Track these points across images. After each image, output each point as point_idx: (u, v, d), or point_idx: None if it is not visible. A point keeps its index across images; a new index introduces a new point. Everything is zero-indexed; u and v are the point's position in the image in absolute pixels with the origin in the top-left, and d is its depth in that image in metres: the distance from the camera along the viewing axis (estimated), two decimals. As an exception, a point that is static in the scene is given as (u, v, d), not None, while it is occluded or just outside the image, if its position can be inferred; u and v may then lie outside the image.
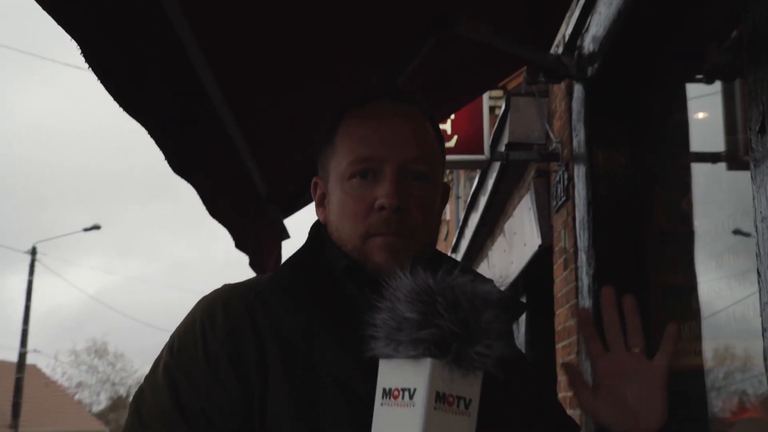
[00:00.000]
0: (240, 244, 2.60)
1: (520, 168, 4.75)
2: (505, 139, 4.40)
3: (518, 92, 4.46)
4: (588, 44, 3.50)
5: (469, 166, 5.12)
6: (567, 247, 3.79)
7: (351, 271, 1.19)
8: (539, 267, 4.58)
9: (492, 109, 5.35)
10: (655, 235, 3.38)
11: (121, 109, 1.46)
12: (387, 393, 0.98)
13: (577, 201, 3.61)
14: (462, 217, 7.58)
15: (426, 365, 0.94)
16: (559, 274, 3.97)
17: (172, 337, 1.19)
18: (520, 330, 5.54)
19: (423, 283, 0.99)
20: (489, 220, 6.09)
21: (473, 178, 6.65)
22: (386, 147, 1.19)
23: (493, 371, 0.97)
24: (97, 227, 25.03)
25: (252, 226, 2.63)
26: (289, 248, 3.12)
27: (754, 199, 1.77)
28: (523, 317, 5.42)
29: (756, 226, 1.76)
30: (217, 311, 1.16)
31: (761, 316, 1.73)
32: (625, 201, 3.43)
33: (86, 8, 1.26)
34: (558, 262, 4.01)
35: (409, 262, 1.07)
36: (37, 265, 24.99)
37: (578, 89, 3.66)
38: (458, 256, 8.61)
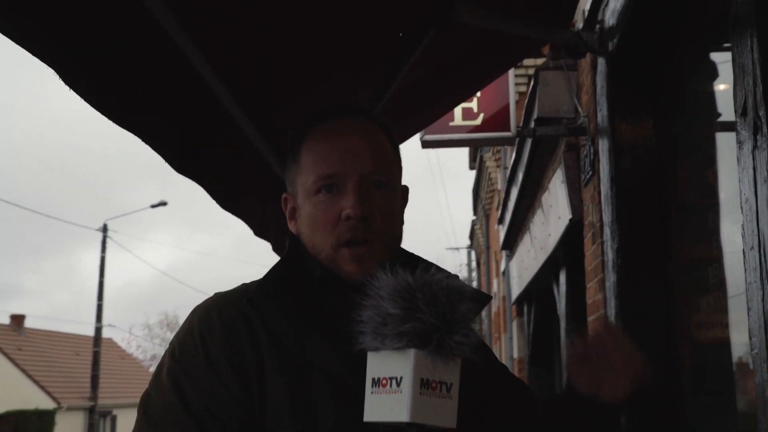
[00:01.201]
0: (260, 232, 2.67)
1: (553, 142, 4.74)
2: (535, 114, 4.40)
3: (547, 66, 4.44)
4: (608, 18, 3.47)
5: (495, 143, 5.13)
6: (594, 221, 3.80)
7: (325, 279, 1.31)
8: (574, 240, 4.59)
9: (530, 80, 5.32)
10: (679, 208, 3.36)
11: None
12: (376, 382, 1.08)
13: (601, 175, 3.61)
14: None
15: (410, 355, 1.05)
16: (589, 248, 3.98)
17: (173, 344, 1.28)
18: (561, 303, 5.55)
19: (403, 281, 1.11)
20: (528, 193, 6.08)
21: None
22: (346, 162, 1.30)
23: (470, 357, 1.10)
24: (163, 203, 25.65)
25: (272, 213, 2.70)
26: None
27: (739, 181, 1.78)
28: (563, 290, 5.43)
29: (741, 207, 1.77)
30: (213, 318, 1.26)
31: (746, 295, 1.75)
32: (649, 174, 3.42)
33: (55, 35, 1.35)
34: (587, 236, 4.02)
35: (376, 268, 1.20)
36: (109, 242, 25.93)
37: (601, 63, 3.64)
38: (503, 228, 8.61)
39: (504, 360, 11.59)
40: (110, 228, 26.70)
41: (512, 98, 4.12)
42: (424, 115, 3.24)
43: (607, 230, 3.52)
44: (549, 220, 5.24)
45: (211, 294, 1.35)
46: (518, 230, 7.45)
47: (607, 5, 3.45)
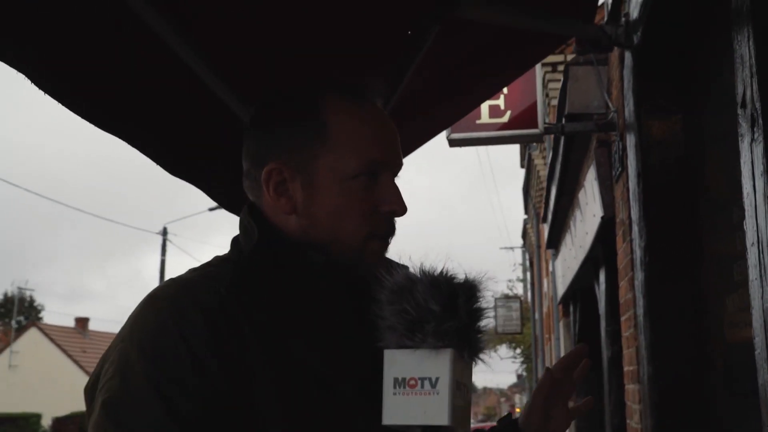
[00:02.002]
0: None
1: (586, 138, 4.66)
2: (565, 111, 4.33)
3: (577, 62, 4.37)
4: (633, 10, 3.39)
5: (523, 140, 5.06)
6: (624, 219, 3.72)
7: (328, 267, 1.19)
8: (609, 238, 4.51)
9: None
10: (708, 203, 3.27)
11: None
12: (401, 382, 1.00)
13: (629, 171, 3.53)
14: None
15: (447, 355, 0.99)
16: (620, 246, 3.90)
17: (140, 344, 1.08)
18: (601, 303, 5.45)
19: (443, 277, 1.04)
20: (566, 190, 5.99)
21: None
22: (392, 152, 1.25)
23: (483, 359, 1.07)
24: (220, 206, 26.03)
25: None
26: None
27: (741, 176, 1.72)
28: (603, 289, 5.33)
29: (743, 202, 1.72)
30: (189, 311, 1.09)
31: (749, 293, 1.69)
32: (677, 170, 3.33)
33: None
34: (619, 234, 3.94)
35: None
36: (169, 245, 26.49)
37: (627, 57, 3.56)
38: (547, 227, 8.50)
39: (551, 362, 11.43)
40: (171, 231, 27.29)
41: (540, 95, 4.07)
42: (443, 114, 3.21)
43: (635, 227, 3.44)
44: (585, 217, 5.15)
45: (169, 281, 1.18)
46: (560, 229, 7.35)
47: (630, -3, 3.38)
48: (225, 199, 2.42)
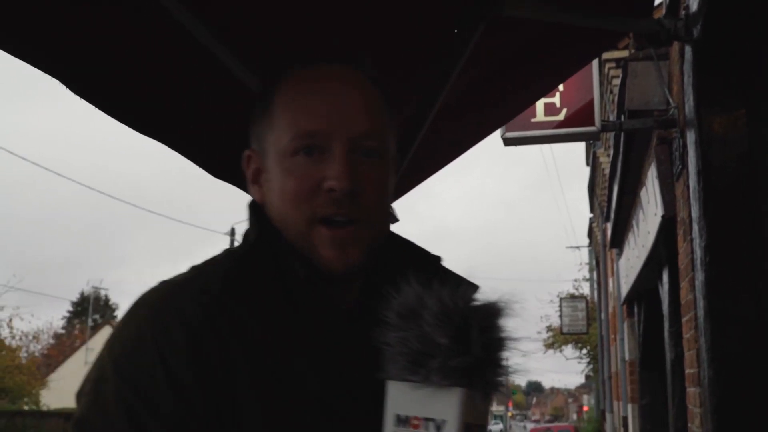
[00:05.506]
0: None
1: (647, 135, 4.55)
2: (625, 107, 4.24)
3: (636, 57, 4.27)
4: (692, 2, 3.30)
5: (580, 138, 4.96)
6: (684, 218, 3.62)
7: (312, 278, 1.05)
8: (671, 238, 4.40)
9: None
10: (772, 202, 3.16)
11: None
12: (403, 420, 0.89)
13: (689, 169, 3.44)
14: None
15: (456, 395, 0.88)
16: (681, 246, 3.80)
17: (115, 356, 0.99)
18: (665, 303, 5.32)
19: (451, 303, 0.90)
20: (628, 189, 5.86)
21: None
22: (334, 120, 1.05)
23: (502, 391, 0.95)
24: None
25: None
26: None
27: None
28: (666, 289, 5.20)
29: None
30: (170, 324, 0.98)
31: None
32: (739, 167, 3.22)
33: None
34: (680, 233, 3.84)
35: (360, 256, 1.04)
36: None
37: (687, 51, 3.46)
38: (610, 225, 8.33)
39: (617, 363, 11.20)
40: (240, 231, 27.87)
41: (596, 91, 3.99)
42: (496, 112, 3.19)
43: (695, 227, 3.34)
44: (647, 216, 5.04)
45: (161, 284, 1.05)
46: (624, 228, 7.20)
47: (689, -10, 3.28)
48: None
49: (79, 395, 1.01)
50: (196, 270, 1.08)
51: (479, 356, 0.88)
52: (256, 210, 1.12)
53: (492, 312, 0.92)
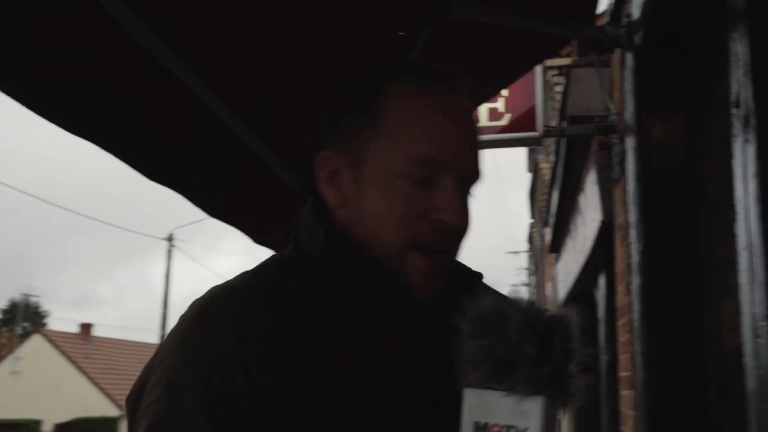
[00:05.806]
0: (262, 239, 2.58)
1: (588, 141, 4.61)
2: (567, 113, 4.29)
3: (579, 63, 4.33)
4: (634, 10, 3.35)
5: (523, 143, 5.01)
6: (622, 223, 3.67)
7: (396, 291, 1.04)
8: (608, 243, 4.46)
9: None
10: (708, 208, 3.22)
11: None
12: (482, 427, 0.91)
13: (628, 174, 3.49)
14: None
15: (538, 404, 0.89)
16: (619, 251, 3.86)
17: (193, 366, 0.96)
18: (600, 307, 5.41)
19: (535, 313, 0.92)
20: (568, 194, 5.95)
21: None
22: (452, 151, 1.04)
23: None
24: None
25: (275, 215, 2.67)
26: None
27: (734, 178, 1.68)
28: (601, 294, 5.28)
29: (735, 205, 1.67)
30: (248, 330, 0.97)
31: (740, 299, 1.65)
32: (677, 173, 3.28)
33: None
34: (617, 238, 3.90)
35: (441, 286, 1.05)
36: (177, 251, 26.59)
37: (628, 58, 3.52)
38: (549, 230, 8.45)
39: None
40: (181, 237, 27.42)
41: (539, 97, 4.02)
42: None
43: (633, 231, 3.39)
44: (586, 221, 5.11)
45: (215, 289, 1.03)
46: (562, 232, 7.30)
47: (631, -3, 3.33)
48: (208, 205, 2.43)
49: (141, 401, 0.98)
50: (260, 274, 1.07)
51: (560, 366, 0.90)
52: (320, 214, 1.10)
53: (567, 323, 0.93)
